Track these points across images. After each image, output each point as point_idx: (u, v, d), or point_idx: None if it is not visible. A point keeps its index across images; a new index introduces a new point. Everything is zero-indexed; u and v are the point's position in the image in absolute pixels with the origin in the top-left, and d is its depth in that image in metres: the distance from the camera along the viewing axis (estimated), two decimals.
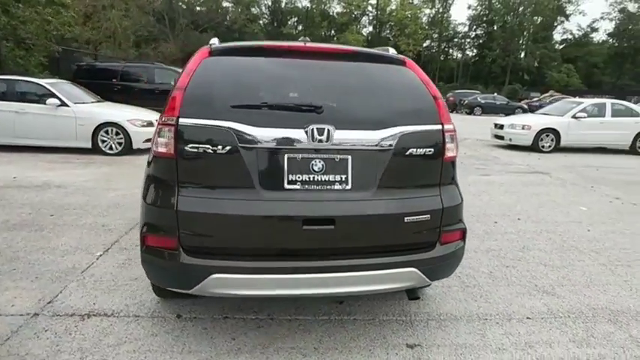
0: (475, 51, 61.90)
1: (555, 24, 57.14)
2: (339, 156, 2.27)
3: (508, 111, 26.69)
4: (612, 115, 11.92)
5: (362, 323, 2.90)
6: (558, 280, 3.68)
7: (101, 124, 8.71)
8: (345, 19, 55.68)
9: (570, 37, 58.66)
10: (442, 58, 61.97)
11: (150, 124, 9.16)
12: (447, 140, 2.45)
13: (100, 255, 3.82)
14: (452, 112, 26.38)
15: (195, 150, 2.17)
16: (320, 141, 2.21)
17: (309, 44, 2.57)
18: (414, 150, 2.36)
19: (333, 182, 2.27)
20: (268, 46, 2.50)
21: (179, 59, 32.63)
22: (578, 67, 52.55)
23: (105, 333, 2.65)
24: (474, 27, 60.45)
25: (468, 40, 62.28)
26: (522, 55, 56.41)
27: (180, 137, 2.17)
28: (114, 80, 13.49)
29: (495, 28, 57.37)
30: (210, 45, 2.43)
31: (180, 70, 11.92)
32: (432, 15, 58.74)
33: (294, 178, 2.23)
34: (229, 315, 2.91)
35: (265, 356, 2.50)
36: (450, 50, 64.78)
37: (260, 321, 2.86)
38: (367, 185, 2.32)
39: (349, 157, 2.28)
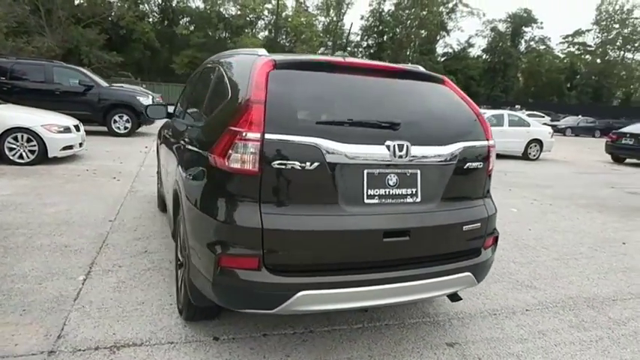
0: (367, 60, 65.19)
1: (438, 38, 62.60)
2: (410, 170, 2.38)
3: None
4: (509, 125, 13.55)
5: (395, 328, 3.03)
6: (531, 275, 4.16)
7: (8, 130, 7.64)
8: (241, 22, 55.12)
9: (451, 51, 64.69)
10: None
11: (67, 129, 8.25)
12: (490, 154, 2.69)
13: (85, 279, 3.44)
14: None
15: (283, 167, 2.12)
16: (400, 157, 2.30)
17: (349, 59, 2.66)
18: (471, 164, 2.57)
19: (405, 196, 2.38)
20: (331, 62, 2.52)
21: (58, 55, 29.44)
22: (458, 79, 57.98)
23: None
24: (366, 37, 63.78)
25: (361, 49, 65.36)
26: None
27: (266, 153, 2.11)
28: (2, 78, 11.98)
29: (385, 39, 61.16)
30: (273, 59, 2.36)
31: (85, 71, 10.81)
32: (326, 23, 60.80)
33: (372, 193, 2.30)
34: (267, 332, 2.84)
35: None
36: None
37: (301, 335, 2.85)
38: (433, 197, 2.47)
39: (418, 171, 2.40)
